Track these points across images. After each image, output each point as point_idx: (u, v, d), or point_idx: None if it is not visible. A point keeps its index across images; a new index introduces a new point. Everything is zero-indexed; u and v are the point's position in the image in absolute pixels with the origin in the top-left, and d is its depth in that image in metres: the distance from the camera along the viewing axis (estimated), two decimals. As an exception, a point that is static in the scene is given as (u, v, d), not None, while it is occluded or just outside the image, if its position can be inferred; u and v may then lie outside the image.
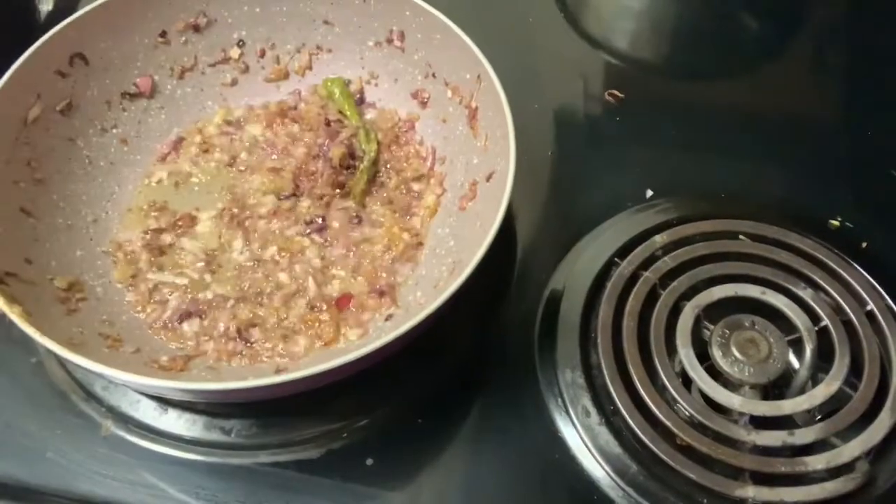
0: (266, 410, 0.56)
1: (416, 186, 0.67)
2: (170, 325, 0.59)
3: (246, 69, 0.71)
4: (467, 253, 0.55)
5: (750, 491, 0.51)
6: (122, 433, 0.55)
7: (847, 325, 0.57)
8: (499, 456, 0.54)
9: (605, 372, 0.55)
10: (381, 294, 0.60)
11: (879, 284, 0.60)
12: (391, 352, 0.48)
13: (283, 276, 0.61)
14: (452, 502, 0.53)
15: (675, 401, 0.54)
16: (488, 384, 0.58)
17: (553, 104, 0.76)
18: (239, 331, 0.58)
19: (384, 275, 0.62)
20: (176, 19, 0.67)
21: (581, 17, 0.85)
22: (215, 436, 0.55)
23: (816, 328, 0.56)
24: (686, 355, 0.55)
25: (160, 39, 0.67)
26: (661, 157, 0.71)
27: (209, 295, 0.60)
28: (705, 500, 0.51)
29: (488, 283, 0.61)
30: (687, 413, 0.54)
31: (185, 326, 0.58)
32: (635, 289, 0.59)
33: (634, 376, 0.54)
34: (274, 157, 0.68)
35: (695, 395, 0.55)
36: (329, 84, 0.71)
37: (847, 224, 0.66)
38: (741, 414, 0.53)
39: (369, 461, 0.54)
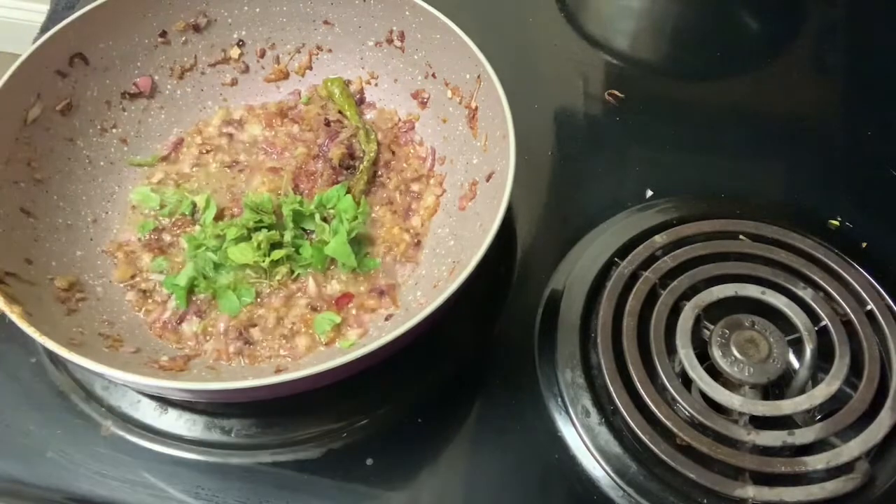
0: (266, 410, 0.56)
1: (415, 186, 0.67)
2: (170, 325, 0.59)
3: (246, 69, 0.71)
4: (467, 253, 0.55)
5: (750, 491, 0.51)
6: (122, 433, 0.55)
7: (847, 325, 0.57)
8: (499, 456, 0.54)
9: (605, 372, 0.55)
10: (381, 294, 0.60)
11: (879, 284, 0.60)
12: (391, 352, 0.48)
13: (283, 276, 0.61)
14: (452, 502, 0.53)
15: (675, 401, 0.54)
16: (488, 384, 0.58)
17: (553, 104, 0.76)
18: (239, 331, 0.58)
19: (384, 275, 0.62)
20: (176, 19, 0.67)
21: (581, 17, 0.85)
22: (215, 436, 0.55)
23: (816, 328, 0.56)
24: (686, 355, 0.55)
25: (160, 39, 0.67)
26: (661, 157, 0.71)
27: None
28: (705, 500, 0.51)
29: (488, 283, 0.62)
30: (687, 413, 0.54)
31: (185, 326, 0.59)
32: (635, 289, 0.59)
33: (634, 376, 0.54)
34: (274, 157, 0.68)
35: (695, 395, 0.55)
36: (329, 84, 0.71)
37: (847, 224, 0.66)
38: (741, 414, 0.53)
39: (369, 461, 0.54)
